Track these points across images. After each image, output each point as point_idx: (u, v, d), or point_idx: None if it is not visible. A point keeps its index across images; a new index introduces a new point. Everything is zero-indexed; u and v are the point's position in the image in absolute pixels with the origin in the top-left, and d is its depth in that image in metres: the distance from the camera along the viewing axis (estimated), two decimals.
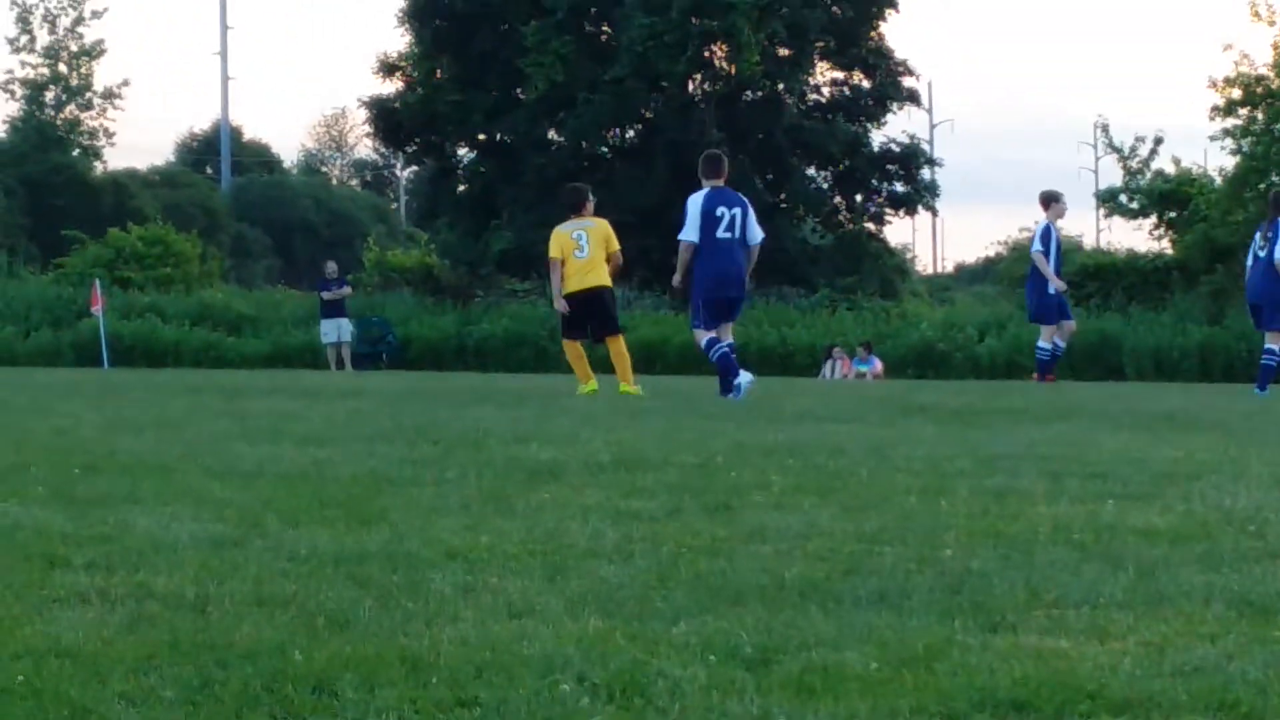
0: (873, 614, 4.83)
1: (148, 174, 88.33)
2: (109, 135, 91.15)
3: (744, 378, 16.52)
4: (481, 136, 48.53)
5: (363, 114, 49.44)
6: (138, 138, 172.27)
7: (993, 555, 5.88)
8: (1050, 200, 21.96)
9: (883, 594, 5.13)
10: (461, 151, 50.18)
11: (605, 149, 48.87)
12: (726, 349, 16.67)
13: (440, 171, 50.10)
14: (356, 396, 16.81)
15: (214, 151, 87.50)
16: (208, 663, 4.20)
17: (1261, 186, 34.37)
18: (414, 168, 53.51)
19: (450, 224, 48.36)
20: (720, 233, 16.38)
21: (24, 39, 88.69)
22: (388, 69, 48.54)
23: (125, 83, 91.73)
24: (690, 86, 47.40)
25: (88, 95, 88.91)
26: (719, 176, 16.80)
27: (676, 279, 17.05)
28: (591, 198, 18.43)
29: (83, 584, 5.30)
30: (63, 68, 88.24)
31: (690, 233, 16.48)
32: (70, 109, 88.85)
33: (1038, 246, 21.86)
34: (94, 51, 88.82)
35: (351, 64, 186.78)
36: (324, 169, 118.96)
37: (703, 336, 16.79)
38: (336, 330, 33.30)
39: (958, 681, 4.01)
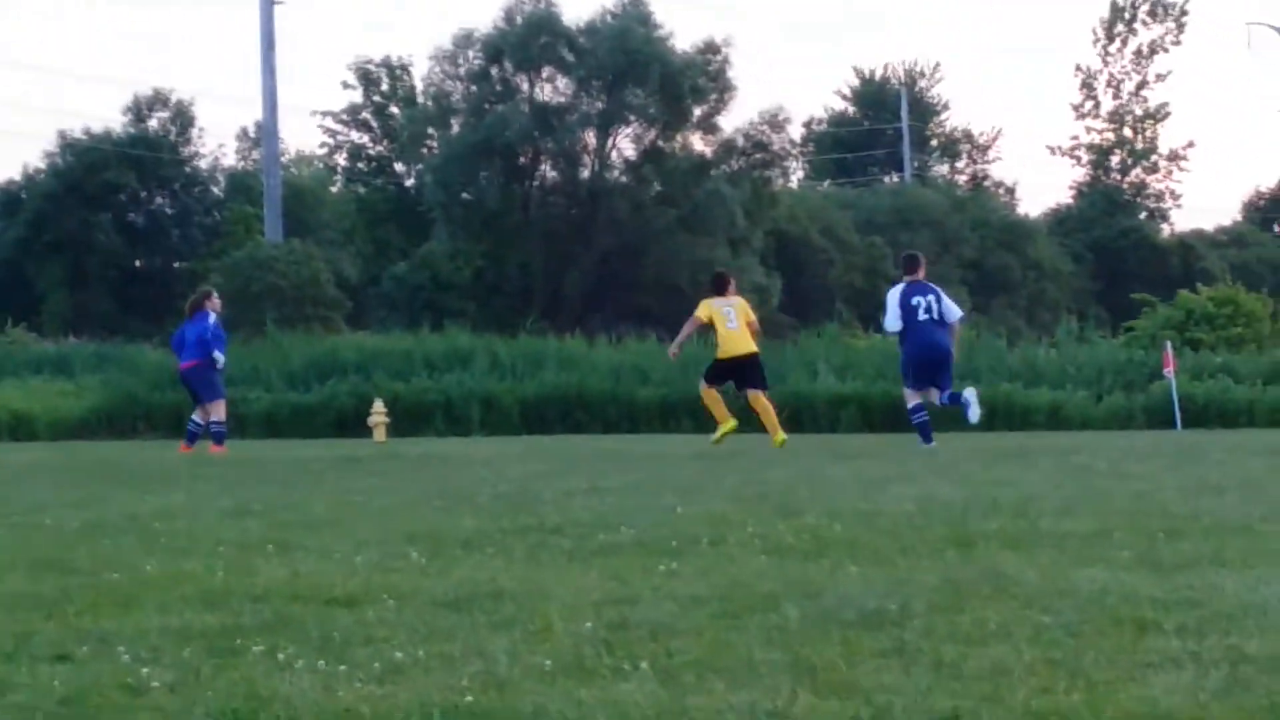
0: None
1: (1215, 234, 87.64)
2: (1175, 197, 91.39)
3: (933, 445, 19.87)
4: None
5: None
6: (1204, 198, 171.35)
7: None
8: None
9: None
10: None
11: None
12: (926, 416, 20.64)
13: None
14: None
15: None
16: None
17: None
18: None
19: None
20: (920, 316, 20.18)
21: (1088, 105, 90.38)
22: None
23: (1190, 144, 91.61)
24: None
25: (1153, 158, 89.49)
26: (915, 272, 20.60)
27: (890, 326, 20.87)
28: (733, 281, 22.49)
29: (1174, 648, 5.24)
30: (1127, 131, 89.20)
31: (891, 323, 20.56)
32: (1136, 172, 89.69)
33: None
34: (1158, 114, 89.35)
35: None
36: None
37: (910, 398, 20.68)
38: None
39: None
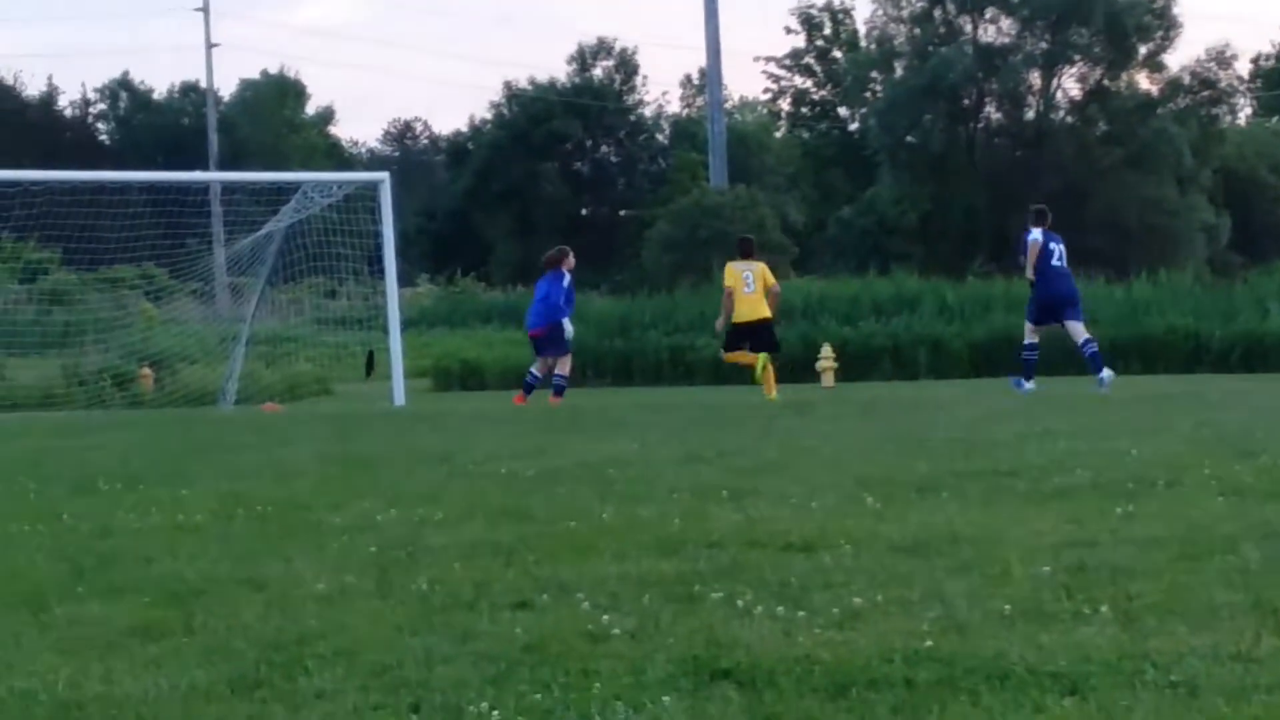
0: None
1: None
2: None
3: (1106, 374, 21.42)
4: None
5: None
6: None
7: None
8: None
9: None
10: None
11: None
12: (1033, 356, 22.35)
13: None
14: None
15: None
16: None
17: None
18: None
19: None
20: (1054, 261, 21.79)
21: None
22: None
23: None
24: None
25: None
26: (1046, 223, 21.97)
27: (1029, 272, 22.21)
28: (754, 245, 23.80)
29: None
30: None
31: (1036, 236, 21.74)
32: None
33: None
34: None
35: None
36: None
37: (1030, 333, 22.46)
38: None
39: None
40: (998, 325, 35.95)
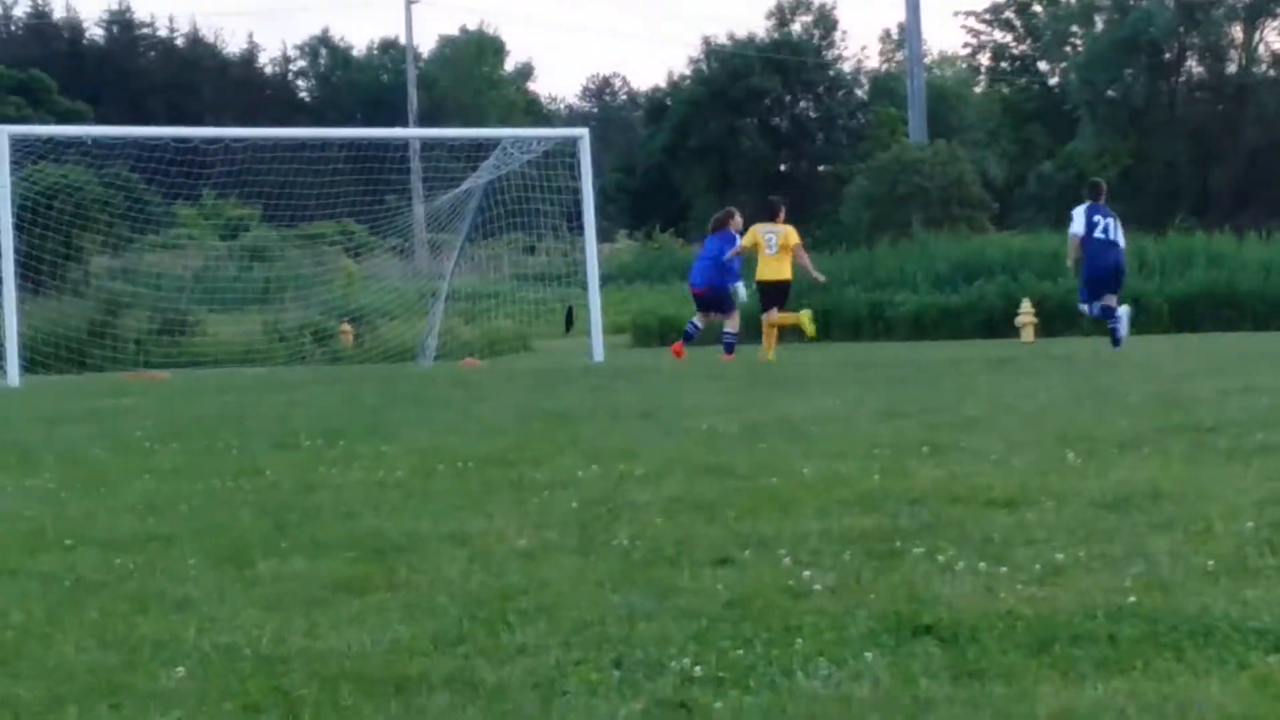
0: None
1: None
2: None
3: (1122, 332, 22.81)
4: None
5: None
6: None
7: None
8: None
9: None
10: None
11: None
12: (1100, 314, 23.01)
13: None
14: None
15: None
16: None
17: None
18: None
19: None
20: (1097, 234, 22.47)
21: None
22: None
23: None
24: None
25: None
26: (1098, 198, 22.93)
27: (1069, 262, 23.83)
28: (783, 208, 23.84)
29: None
30: None
31: (1077, 228, 22.79)
32: None
33: None
34: None
35: None
36: None
37: (1085, 307, 23.25)
38: None
39: None
40: (1198, 281, 35.40)
